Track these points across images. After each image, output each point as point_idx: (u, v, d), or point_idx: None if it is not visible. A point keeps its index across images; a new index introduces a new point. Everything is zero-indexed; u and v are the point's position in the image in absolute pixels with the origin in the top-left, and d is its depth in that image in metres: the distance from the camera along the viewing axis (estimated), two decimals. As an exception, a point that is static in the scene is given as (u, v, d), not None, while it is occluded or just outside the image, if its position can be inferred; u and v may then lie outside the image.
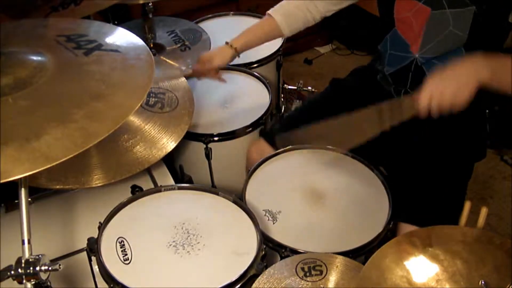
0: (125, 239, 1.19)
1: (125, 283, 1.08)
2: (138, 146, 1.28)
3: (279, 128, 1.62)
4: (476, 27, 1.28)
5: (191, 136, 1.58)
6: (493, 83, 1.13)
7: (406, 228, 1.33)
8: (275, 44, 1.96)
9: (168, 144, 1.29)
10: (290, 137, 1.43)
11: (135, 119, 1.32)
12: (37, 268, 0.89)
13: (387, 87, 1.51)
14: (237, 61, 1.87)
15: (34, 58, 0.96)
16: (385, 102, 1.19)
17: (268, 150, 1.55)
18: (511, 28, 1.32)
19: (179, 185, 1.35)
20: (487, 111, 1.51)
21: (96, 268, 1.17)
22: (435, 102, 1.13)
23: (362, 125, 1.24)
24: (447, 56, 1.35)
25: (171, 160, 1.68)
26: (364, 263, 1.00)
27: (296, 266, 1.12)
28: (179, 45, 1.81)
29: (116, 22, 1.92)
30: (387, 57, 1.48)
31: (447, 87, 1.12)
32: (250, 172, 1.44)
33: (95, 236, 1.18)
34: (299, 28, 1.59)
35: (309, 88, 1.98)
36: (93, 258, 1.17)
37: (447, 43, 1.33)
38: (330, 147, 1.51)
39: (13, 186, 0.89)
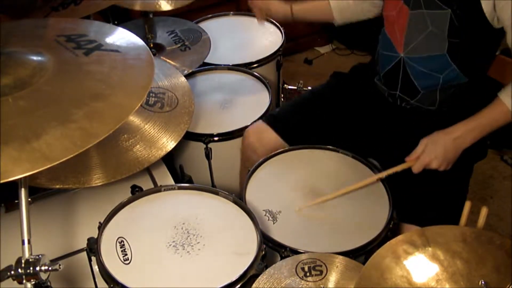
0: (125, 239, 1.19)
1: (125, 283, 1.08)
2: (138, 146, 1.27)
3: (279, 114, 1.62)
4: (454, 30, 1.29)
5: (191, 136, 1.58)
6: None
7: (408, 228, 1.33)
8: (275, 44, 1.96)
9: (168, 143, 1.29)
10: None
11: (135, 119, 1.31)
12: (37, 268, 0.89)
13: (382, 90, 1.52)
14: (237, 61, 1.88)
15: (34, 58, 0.96)
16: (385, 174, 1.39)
17: (267, 132, 1.54)
18: (502, 36, 1.32)
19: (179, 185, 1.35)
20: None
21: (96, 268, 1.17)
22: (427, 168, 1.33)
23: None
24: (432, 60, 1.36)
25: (171, 160, 1.68)
26: (364, 263, 1.00)
27: (296, 266, 1.12)
28: (179, 45, 1.81)
29: (116, 22, 1.92)
30: (379, 58, 1.49)
31: (439, 163, 1.32)
32: (250, 172, 1.44)
33: (95, 236, 1.18)
34: (351, 19, 1.63)
35: (309, 88, 1.98)
36: (93, 258, 1.17)
37: (430, 44, 1.34)
38: (330, 147, 1.51)
39: (13, 186, 0.89)
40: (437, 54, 1.35)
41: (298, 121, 1.55)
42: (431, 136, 1.34)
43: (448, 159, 1.32)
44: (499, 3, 1.22)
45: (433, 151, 1.31)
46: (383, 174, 1.39)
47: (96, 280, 1.21)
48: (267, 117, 1.58)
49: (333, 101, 1.58)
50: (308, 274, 1.11)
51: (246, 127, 1.61)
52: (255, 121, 1.62)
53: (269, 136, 1.53)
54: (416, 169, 1.33)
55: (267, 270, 1.11)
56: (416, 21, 1.34)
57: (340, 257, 1.14)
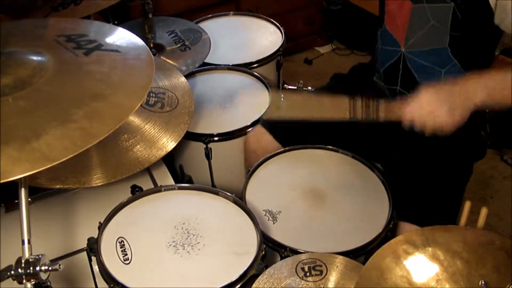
0: (125, 239, 1.19)
1: (125, 283, 1.08)
2: (138, 146, 1.28)
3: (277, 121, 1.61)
4: (456, 24, 1.28)
5: (191, 136, 1.58)
6: (489, 103, 1.10)
7: (406, 227, 1.33)
8: (275, 44, 1.96)
9: (168, 143, 1.29)
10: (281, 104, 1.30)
11: (135, 119, 1.32)
12: (37, 268, 0.89)
13: (381, 87, 1.52)
14: (237, 61, 1.88)
15: (34, 58, 0.96)
16: (365, 97, 1.16)
17: (267, 137, 1.54)
18: (500, 35, 1.32)
19: (179, 185, 1.35)
20: (487, 111, 1.52)
21: (96, 268, 1.17)
22: (421, 119, 1.11)
23: (334, 106, 1.23)
24: (433, 53, 1.35)
25: (171, 160, 1.68)
26: (364, 263, 1.00)
27: (296, 266, 1.12)
28: (179, 45, 1.81)
29: (116, 22, 1.92)
30: (379, 53, 1.49)
31: (438, 109, 1.09)
32: (250, 172, 1.44)
33: (95, 236, 1.18)
34: None
35: (309, 88, 1.98)
36: (93, 258, 1.17)
37: (431, 38, 1.33)
38: (330, 147, 1.51)
39: (13, 186, 0.89)
40: (438, 47, 1.34)
41: (295, 125, 1.55)
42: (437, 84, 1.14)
43: (450, 107, 1.07)
44: (501, 2, 1.22)
45: (432, 93, 1.10)
46: (361, 101, 1.18)
47: (96, 280, 1.21)
48: (266, 123, 1.58)
49: None
50: (308, 274, 1.11)
51: (246, 127, 1.61)
52: (254, 121, 1.62)
53: (268, 139, 1.54)
54: (406, 114, 1.11)
55: (267, 270, 1.11)
56: (418, 15, 1.33)
57: (340, 257, 1.14)
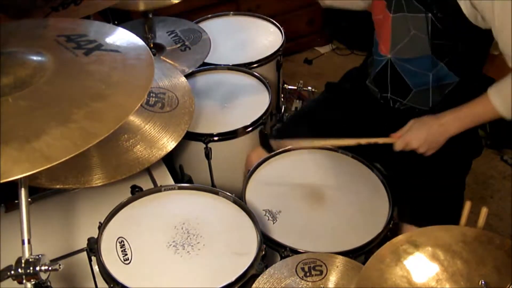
0: (125, 239, 1.19)
1: (125, 283, 1.08)
2: (138, 146, 1.27)
3: (277, 136, 1.63)
4: (436, 33, 1.30)
5: (191, 136, 1.58)
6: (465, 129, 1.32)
7: (408, 228, 1.33)
8: (275, 44, 1.96)
9: (168, 143, 1.29)
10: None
11: (135, 119, 1.31)
12: (37, 268, 0.89)
13: (374, 92, 1.53)
14: (237, 61, 1.88)
15: (34, 58, 0.96)
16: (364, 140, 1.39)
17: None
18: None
19: (179, 185, 1.35)
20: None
21: (96, 268, 1.17)
22: (408, 149, 1.34)
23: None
24: (418, 61, 1.37)
25: (171, 160, 1.68)
26: (364, 263, 1.00)
27: (296, 266, 1.12)
28: (179, 45, 1.81)
29: (116, 22, 1.91)
30: (373, 59, 1.50)
31: (420, 146, 1.32)
32: (250, 172, 1.44)
33: (95, 236, 1.18)
34: (338, 4, 1.65)
35: (309, 88, 1.99)
36: (93, 258, 1.17)
37: (414, 46, 1.36)
38: (330, 147, 1.51)
39: (13, 186, 0.89)
40: (422, 55, 1.35)
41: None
42: (420, 118, 1.35)
43: (430, 142, 1.32)
44: (479, 4, 1.20)
45: (417, 132, 1.32)
46: (364, 141, 1.38)
47: (96, 280, 1.21)
48: (266, 144, 1.60)
49: (328, 112, 1.60)
50: (308, 274, 1.11)
51: (246, 127, 1.61)
52: (254, 121, 1.62)
53: None
54: (397, 146, 1.34)
55: (267, 270, 1.12)
56: (399, 25, 1.35)
57: (340, 257, 1.14)
